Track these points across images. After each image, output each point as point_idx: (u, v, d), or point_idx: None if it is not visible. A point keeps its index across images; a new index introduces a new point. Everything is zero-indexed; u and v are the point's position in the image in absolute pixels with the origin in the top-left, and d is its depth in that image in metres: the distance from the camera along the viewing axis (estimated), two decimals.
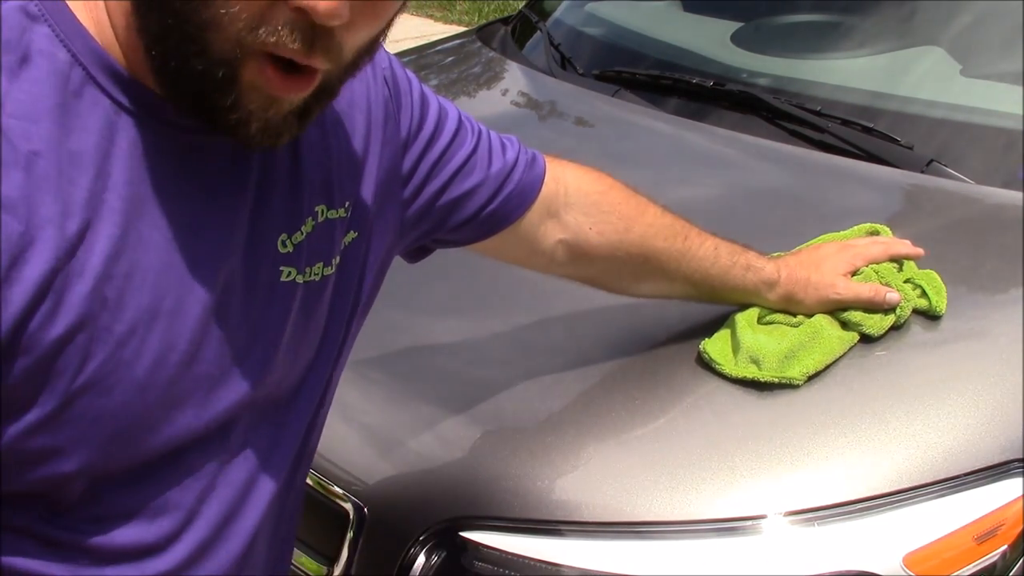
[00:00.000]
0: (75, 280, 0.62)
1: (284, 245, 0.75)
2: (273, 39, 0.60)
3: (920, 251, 1.23)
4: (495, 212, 0.98)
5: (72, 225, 0.62)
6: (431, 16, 6.40)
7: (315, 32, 0.60)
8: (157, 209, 0.67)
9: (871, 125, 1.54)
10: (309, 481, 1.04)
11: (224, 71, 0.61)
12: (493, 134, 1.00)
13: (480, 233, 0.99)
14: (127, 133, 0.65)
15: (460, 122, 0.95)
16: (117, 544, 0.70)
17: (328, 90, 0.67)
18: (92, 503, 0.69)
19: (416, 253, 1.01)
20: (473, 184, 0.95)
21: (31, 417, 0.63)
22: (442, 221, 0.95)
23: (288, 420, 0.80)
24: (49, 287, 0.61)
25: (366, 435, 1.12)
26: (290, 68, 0.62)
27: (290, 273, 0.76)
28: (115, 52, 0.65)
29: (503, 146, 0.99)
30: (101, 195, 0.63)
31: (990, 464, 1.01)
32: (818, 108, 1.58)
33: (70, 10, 0.64)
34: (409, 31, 5.02)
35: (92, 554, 0.70)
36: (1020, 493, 1.01)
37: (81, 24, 0.64)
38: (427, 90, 0.94)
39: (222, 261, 0.70)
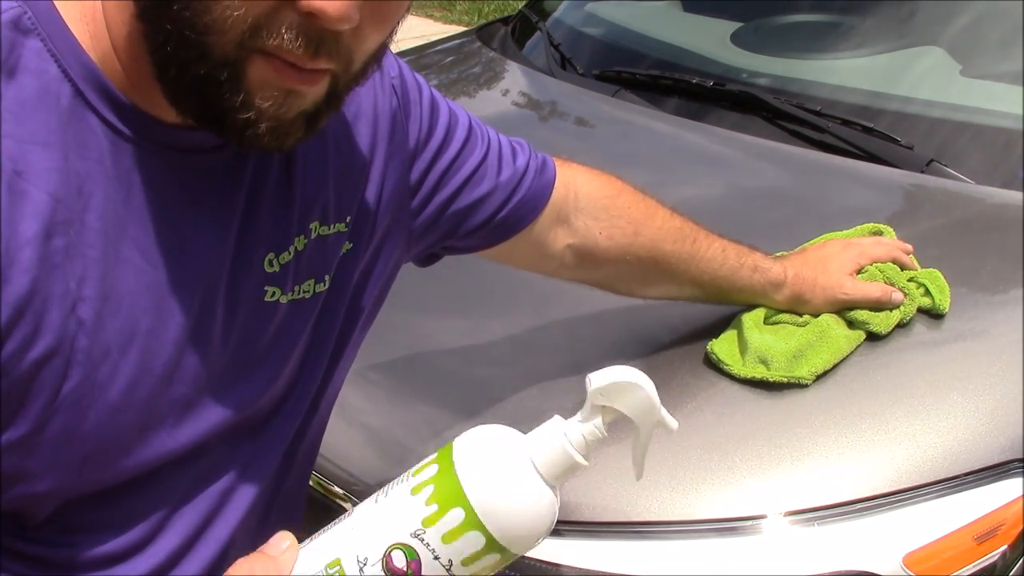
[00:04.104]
0: (54, 301, 0.60)
1: (270, 264, 0.74)
2: (275, 42, 0.58)
3: (916, 265, 1.23)
4: (505, 220, 0.96)
5: (51, 245, 0.60)
6: (431, 16, 6.40)
7: (321, 37, 0.58)
8: (139, 230, 0.65)
9: (871, 125, 1.54)
10: (310, 482, 1.03)
11: (228, 72, 0.59)
12: (503, 138, 0.99)
13: (490, 240, 0.98)
14: (112, 152, 0.64)
15: (471, 129, 0.94)
16: (85, 555, 0.69)
17: (336, 97, 0.65)
18: (62, 518, 0.68)
19: (426, 260, 1.00)
20: (483, 193, 0.94)
21: (3, 439, 0.61)
22: (452, 230, 0.94)
23: (268, 436, 0.78)
24: (28, 308, 0.59)
25: (366, 435, 1.12)
26: (295, 68, 0.60)
27: (274, 293, 0.74)
28: (109, 65, 0.64)
29: (513, 151, 0.98)
30: (81, 215, 0.62)
31: (990, 464, 1.01)
32: (818, 108, 1.58)
33: (64, 22, 0.62)
34: (409, 31, 4.99)
35: (58, 564, 0.69)
36: (1020, 493, 1.01)
37: (74, 37, 0.62)
38: (437, 96, 0.92)
39: (205, 282, 0.69)
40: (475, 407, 1.09)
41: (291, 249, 0.75)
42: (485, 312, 1.27)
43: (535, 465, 0.52)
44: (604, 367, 0.54)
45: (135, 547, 0.71)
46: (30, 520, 0.67)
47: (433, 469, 0.55)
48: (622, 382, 0.52)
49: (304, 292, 0.77)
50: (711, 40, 1.88)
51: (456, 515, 0.51)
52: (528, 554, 0.95)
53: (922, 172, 1.48)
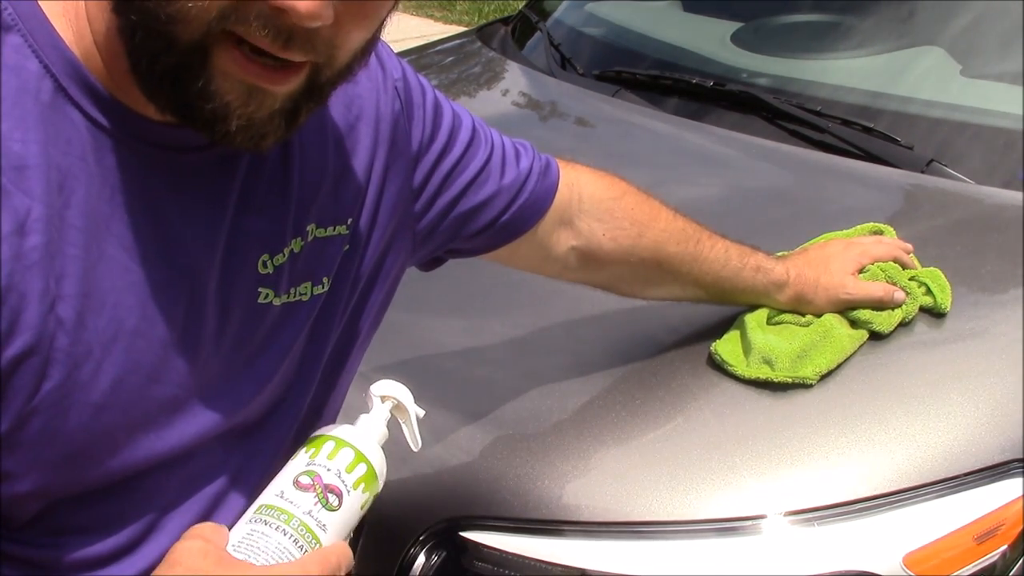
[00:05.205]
0: (31, 299, 0.60)
1: (264, 266, 0.73)
2: (243, 28, 0.57)
3: (917, 264, 1.23)
4: (509, 223, 0.96)
5: (28, 243, 0.59)
6: (431, 16, 6.40)
7: (292, 31, 0.58)
8: (123, 227, 0.64)
9: (871, 125, 1.54)
10: None
11: (195, 57, 0.58)
12: (507, 141, 0.98)
13: (494, 243, 0.97)
14: (95, 148, 0.63)
15: (474, 131, 0.93)
16: (72, 556, 0.69)
17: (318, 91, 0.64)
18: (48, 519, 0.67)
19: (430, 263, 1.00)
20: (486, 196, 0.93)
21: None
22: (455, 233, 0.93)
23: (263, 439, 0.78)
24: (3, 305, 0.58)
25: None
26: (270, 59, 0.59)
27: (267, 295, 0.74)
28: (93, 62, 0.63)
29: (517, 154, 0.97)
30: (62, 212, 0.61)
31: (990, 464, 1.01)
32: (818, 108, 1.58)
33: (47, 18, 0.62)
34: (409, 31, 5.01)
35: (45, 565, 0.68)
36: (1020, 493, 1.01)
37: (56, 33, 0.62)
38: (441, 97, 0.92)
39: (193, 280, 0.68)
40: (475, 407, 1.09)
41: (286, 251, 0.75)
42: (485, 312, 1.27)
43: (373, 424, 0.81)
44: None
45: (124, 549, 0.71)
46: (16, 520, 0.67)
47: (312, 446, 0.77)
48: (392, 383, 0.82)
49: (300, 295, 0.77)
50: (711, 40, 1.88)
51: (331, 445, 0.75)
52: (528, 554, 0.96)
53: (922, 172, 1.48)
